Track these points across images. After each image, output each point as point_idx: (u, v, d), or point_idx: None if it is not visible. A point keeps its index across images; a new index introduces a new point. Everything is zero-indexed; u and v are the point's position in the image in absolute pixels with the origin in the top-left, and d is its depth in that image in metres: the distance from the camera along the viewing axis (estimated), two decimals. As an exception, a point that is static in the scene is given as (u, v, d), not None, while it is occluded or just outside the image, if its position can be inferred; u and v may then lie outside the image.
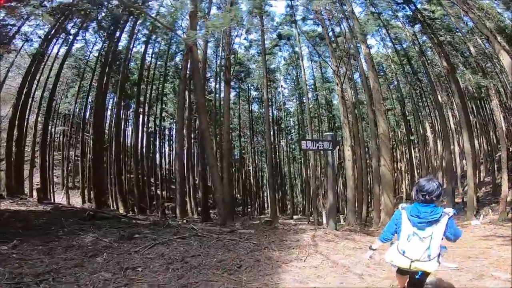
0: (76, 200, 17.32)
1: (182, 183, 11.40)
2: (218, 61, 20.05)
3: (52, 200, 15.02)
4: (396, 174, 22.31)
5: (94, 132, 13.24)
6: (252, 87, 26.18)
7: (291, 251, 5.30)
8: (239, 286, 3.73)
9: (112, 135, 15.42)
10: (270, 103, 26.60)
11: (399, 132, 23.67)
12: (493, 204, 10.68)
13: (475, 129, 16.94)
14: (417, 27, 14.88)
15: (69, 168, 22.22)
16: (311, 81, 25.19)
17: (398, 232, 2.24)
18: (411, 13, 13.77)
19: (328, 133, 9.29)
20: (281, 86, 26.74)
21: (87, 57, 18.06)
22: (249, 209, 26.24)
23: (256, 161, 29.36)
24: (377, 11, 14.87)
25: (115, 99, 19.36)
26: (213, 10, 13.80)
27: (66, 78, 21.67)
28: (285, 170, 30.34)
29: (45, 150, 14.36)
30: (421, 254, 2.07)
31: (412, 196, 2.31)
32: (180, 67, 18.85)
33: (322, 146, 7.99)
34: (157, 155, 25.54)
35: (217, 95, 22.00)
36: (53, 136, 21.53)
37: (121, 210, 11.75)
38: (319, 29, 17.64)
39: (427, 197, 2.11)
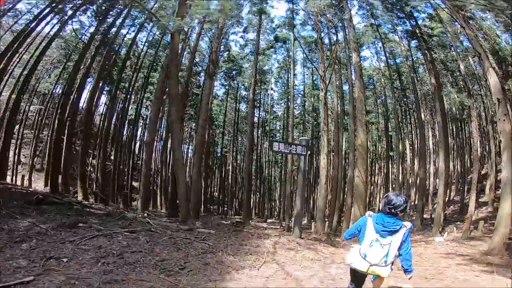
0: (40, 184, 16.24)
1: (147, 174, 10.83)
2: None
3: (12, 181, 14.05)
4: (372, 187, 22.56)
5: (62, 112, 12.41)
6: (242, 86, 25.84)
7: (247, 257, 4.99)
8: (172, 289, 3.35)
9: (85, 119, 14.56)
10: (258, 105, 26.40)
11: (379, 147, 23.97)
12: (458, 222, 10.84)
13: (452, 151, 17.34)
14: (414, 42, 15.02)
15: (38, 149, 20.97)
16: (301, 87, 25.15)
17: (361, 237, 2.46)
18: (410, 28, 13.82)
19: (303, 137, 9.05)
20: (271, 88, 26.57)
21: (80, 39, 17.09)
22: (225, 209, 25.73)
23: (238, 161, 28.95)
24: (376, 23, 14.95)
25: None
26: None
27: (52, 58, 20.60)
28: (266, 173, 30.09)
29: (11, 127, 13.32)
30: (380, 259, 2.31)
31: (380, 207, 2.53)
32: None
33: (295, 150, 7.75)
34: (137, 145, 24.65)
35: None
36: (26, 114, 20.31)
37: (80, 197, 11.00)
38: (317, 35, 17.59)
39: (393, 210, 2.34)
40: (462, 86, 13.42)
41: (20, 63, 16.23)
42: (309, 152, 7.71)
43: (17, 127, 18.76)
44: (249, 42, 18.94)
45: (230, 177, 28.16)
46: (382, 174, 23.01)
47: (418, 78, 16.15)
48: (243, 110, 28.79)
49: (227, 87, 25.53)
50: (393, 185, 18.73)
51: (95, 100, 15.00)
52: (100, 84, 17.50)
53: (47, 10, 12.24)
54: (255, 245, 5.96)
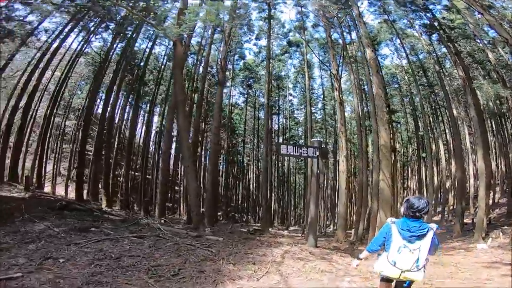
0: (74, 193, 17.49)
1: (164, 182, 11.09)
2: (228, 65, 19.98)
3: (50, 191, 15.24)
4: (405, 192, 20.87)
5: (86, 125, 13.40)
6: (260, 94, 25.89)
7: (249, 266, 4.71)
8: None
9: (116, 132, 15.54)
10: (277, 111, 26.20)
11: (410, 149, 22.25)
12: (506, 227, 9.41)
13: (494, 149, 15.39)
14: (435, 36, 13.96)
15: (74, 160, 22.70)
16: (320, 91, 24.52)
17: (387, 244, 2.41)
18: (428, 22, 12.91)
19: (315, 139, 8.61)
20: (290, 94, 26.25)
21: (102, 56, 18.52)
22: (248, 217, 25.51)
23: (260, 169, 28.72)
24: (391, 18, 14.17)
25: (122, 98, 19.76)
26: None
27: (82, 75, 22.46)
28: (292, 179, 29.44)
29: (45, 141, 14.64)
30: (411, 265, 2.28)
31: (401, 212, 2.46)
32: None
33: (306, 153, 7.34)
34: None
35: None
36: (63, 129, 22.19)
37: (104, 204, 11.60)
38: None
39: (417, 213, 2.32)
40: (495, 77, 12.01)
41: (53, 80, 17.69)
42: (324, 155, 7.31)
43: (56, 141, 20.64)
44: (263, 49, 19.04)
45: (253, 185, 28.00)
46: (416, 177, 21.24)
47: (446, 73, 14.82)
48: (262, 118, 28.75)
49: (245, 95, 25.77)
50: (427, 189, 17.10)
51: (116, 111, 15.94)
52: (123, 97, 18.81)
53: (68, 27, 13.25)
54: (261, 254, 5.67)
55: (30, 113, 15.47)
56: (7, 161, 12.61)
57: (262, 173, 14.35)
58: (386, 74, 19.18)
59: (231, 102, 27.28)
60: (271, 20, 13.99)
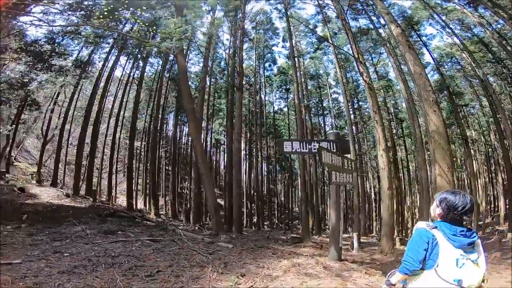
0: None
1: (196, 192, 11.75)
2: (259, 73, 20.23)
3: (118, 203, 17.82)
4: (495, 192, 16.78)
5: (131, 143, 15.52)
6: (300, 96, 25.26)
7: (233, 277, 4.32)
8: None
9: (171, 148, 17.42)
10: (321, 111, 24.96)
11: (492, 137, 17.86)
12: None
13: None
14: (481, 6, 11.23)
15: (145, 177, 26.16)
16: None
17: (431, 259, 1.77)
18: None
19: (331, 131, 7.64)
20: (334, 92, 24.71)
21: (152, 79, 21.22)
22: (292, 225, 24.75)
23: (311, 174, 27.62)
24: None
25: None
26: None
27: (140, 98, 26.17)
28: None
29: (112, 161, 17.41)
30: (479, 280, 1.74)
31: (433, 213, 1.90)
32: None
33: (315, 149, 6.25)
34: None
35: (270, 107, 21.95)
36: (134, 149, 26.01)
37: (152, 213, 12.99)
38: (361, 21, 15.59)
39: (463, 215, 1.77)
40: None
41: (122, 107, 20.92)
42: (345, 150, 6.35)
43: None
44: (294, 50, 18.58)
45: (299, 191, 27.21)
46: (502, 171, 16.81)
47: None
48: (308, 120, 27.88)
49: (286, 99, 25.51)
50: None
51: (162, 126, 17.83)
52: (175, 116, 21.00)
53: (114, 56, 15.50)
54: (260, 266, 5.12)
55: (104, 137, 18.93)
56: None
57: (300, 179, 13.73)
58: (442, 56, 16.78)
59: (274, 109, 27.46)
60: (294, 19, 13.64)
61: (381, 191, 9.51)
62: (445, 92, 15.44)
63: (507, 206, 16.69)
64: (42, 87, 12.34)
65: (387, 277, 1.99)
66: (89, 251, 4.91)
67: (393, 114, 21.99)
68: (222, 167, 31.13)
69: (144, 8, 8.90)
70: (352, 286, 4.39)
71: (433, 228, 1.79)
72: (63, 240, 5.49)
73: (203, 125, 25.24)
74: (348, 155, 8.27)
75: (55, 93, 15.33)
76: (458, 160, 21.70)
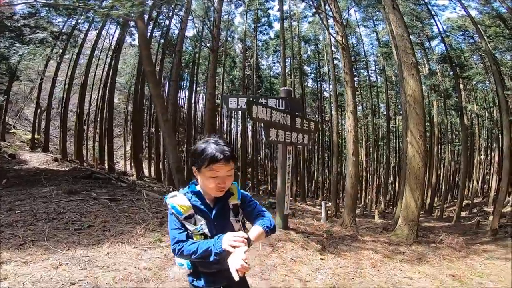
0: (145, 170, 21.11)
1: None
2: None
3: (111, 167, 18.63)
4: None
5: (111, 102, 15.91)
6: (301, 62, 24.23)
7: (158, 235, 4.42)
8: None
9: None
10: (321, 77, 24.06)
11: (495, 111, 17.05)
12: None
13: None
14: None
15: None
16: (367, 48, 21.03)
17: None
18: None
19: (284, 87, 7.30)
20: (336, 58, 23.42)
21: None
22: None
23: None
24: None
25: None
26: None
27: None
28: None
29: (102, 126, 17.91)
30: None
31: None
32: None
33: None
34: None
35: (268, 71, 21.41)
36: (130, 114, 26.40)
37: (134, 176, 13.72)
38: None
39: None
40: None
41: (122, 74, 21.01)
42: (296, 108, 6.09)
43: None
44: (290, 14, 17.30)
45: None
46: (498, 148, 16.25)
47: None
48: (310, 86, 27.29)
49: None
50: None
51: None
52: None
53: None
54: None
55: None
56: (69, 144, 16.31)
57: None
58: (454, 28, 15.95)
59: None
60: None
61: (347, 156, 9.38)
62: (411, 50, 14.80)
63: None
64: (24, 59, 12.59)
65: None
66: (41, 208, 5.34)
67: (393, 82, 21.03)
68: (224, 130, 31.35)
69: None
70: (275, 258, 4.24)
71: None
72: (25, 200, 5.98)
73: (198, 88, 25.17)
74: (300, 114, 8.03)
75: (46, 64, 15.66)
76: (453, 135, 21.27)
